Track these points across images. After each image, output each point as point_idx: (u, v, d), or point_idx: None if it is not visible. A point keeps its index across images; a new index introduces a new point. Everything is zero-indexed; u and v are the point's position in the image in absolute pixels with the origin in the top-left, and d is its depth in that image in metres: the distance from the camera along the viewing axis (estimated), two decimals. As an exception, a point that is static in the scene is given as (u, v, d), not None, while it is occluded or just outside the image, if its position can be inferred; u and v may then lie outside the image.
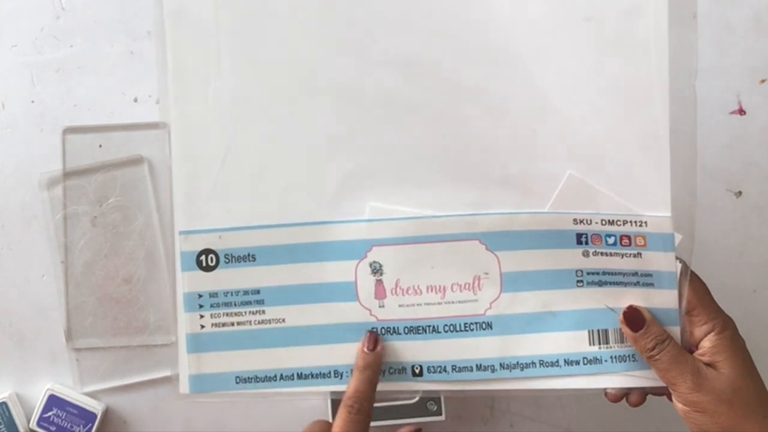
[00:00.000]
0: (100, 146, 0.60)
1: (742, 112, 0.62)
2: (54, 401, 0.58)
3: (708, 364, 0.43)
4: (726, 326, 0.43)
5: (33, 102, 0.60)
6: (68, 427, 0.58)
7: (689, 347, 0.44)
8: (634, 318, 0.44)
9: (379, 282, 0.45)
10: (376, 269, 0.45)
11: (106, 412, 0.60)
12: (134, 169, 0.60)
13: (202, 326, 0.46)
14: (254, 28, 0.45)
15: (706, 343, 0.43)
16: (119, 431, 0.60)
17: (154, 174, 0.59)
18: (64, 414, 0.58)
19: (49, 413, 0.58)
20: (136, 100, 0.60)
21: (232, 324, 0.46)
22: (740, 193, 0.62)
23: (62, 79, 0.60)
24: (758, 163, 0.62)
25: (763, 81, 0.62)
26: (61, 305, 0.59)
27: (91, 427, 0.58)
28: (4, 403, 0.58)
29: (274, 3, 0.45)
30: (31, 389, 0.60)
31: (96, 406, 0.59)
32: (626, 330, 0.44)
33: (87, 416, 0.58)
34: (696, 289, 0.44)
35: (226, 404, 0.60)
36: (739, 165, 0.62)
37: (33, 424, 0.58)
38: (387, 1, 0.45)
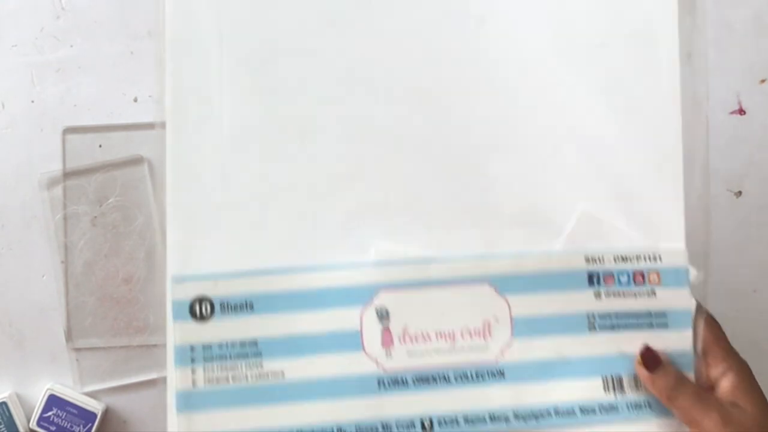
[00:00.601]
0: (100, 146, 0.60)
1: (742, 112, 0.62)
2: (54, 401, 0.58)
3: (728, 404, 0.41)
4: (742, 366, 0.42)
5: (33, 102, 0.60)
6: (68, 427, 0.58)
7: (705, 388, 0.42)
8: (650, 358, 0.42)
9: (386, 329, 0.42)
10: (383, 315, 0.42)
11: (106, 412, 0.60)
12: (134, 169, 0.60)
13: (194, 382, 0.42)
14: (257, 61, 0.43)
15: (725, 383, 0.41)
16: (119, 431, 0.60)
17: (154, 174, 0.59)
18: (64, 414, 0.58)
19: (49, 413, 0.58)
20: (136, 100, 0.60)
21: (227, 379, 0.42)
22: (740, 193, 0.62)
23: (62, 79, 0.60)
24: (758, 163, 0.62)
25: (763, 81, 0.62)
26: (61, 305, 0.59)
27: (91, 427, 0.58)
28: (4, 403, 0.58)
29: (281, 42, 0.43)
30: (31, 389, 0.60)
31: (96, 406, 0.59)
32: (642, 372, 0.42)
33: (87, 416, 0.58)
34: (711, 329, 0.43)
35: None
36: (739, 165, 0.62)
37: (33, 424, 0.58)
38: (395, 34, 0.43)
